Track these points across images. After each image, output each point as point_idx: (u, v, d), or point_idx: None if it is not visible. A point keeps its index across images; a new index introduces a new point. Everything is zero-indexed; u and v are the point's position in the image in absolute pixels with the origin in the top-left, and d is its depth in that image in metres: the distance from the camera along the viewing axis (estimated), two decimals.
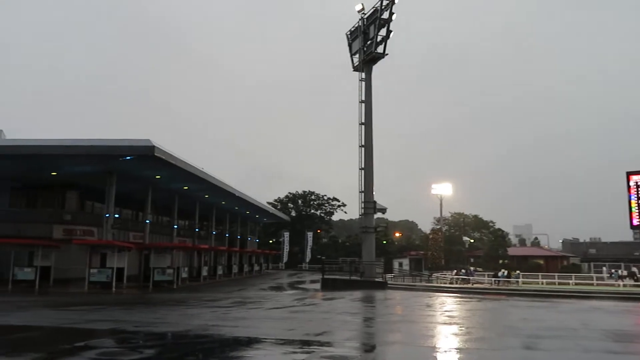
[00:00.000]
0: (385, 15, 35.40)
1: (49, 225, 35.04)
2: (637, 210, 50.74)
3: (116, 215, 35.26)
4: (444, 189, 69.57)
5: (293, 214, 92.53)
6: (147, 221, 38.30)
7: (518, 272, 40.80)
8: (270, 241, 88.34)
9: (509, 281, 36.68)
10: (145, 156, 28.18)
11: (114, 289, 28.10)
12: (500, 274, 38.49)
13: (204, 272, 40.29)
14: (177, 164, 30.93)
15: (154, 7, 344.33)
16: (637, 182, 50.86)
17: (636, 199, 50.83)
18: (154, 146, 27.15)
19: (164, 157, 28.62)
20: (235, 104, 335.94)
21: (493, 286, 35.49)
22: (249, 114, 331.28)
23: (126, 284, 29.89)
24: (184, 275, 35.26)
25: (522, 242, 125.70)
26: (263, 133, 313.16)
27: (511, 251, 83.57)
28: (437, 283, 39.79)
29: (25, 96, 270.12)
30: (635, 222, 51.15)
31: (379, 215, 39.32)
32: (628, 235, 67.55)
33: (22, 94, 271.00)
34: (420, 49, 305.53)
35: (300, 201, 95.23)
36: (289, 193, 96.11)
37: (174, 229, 44.26)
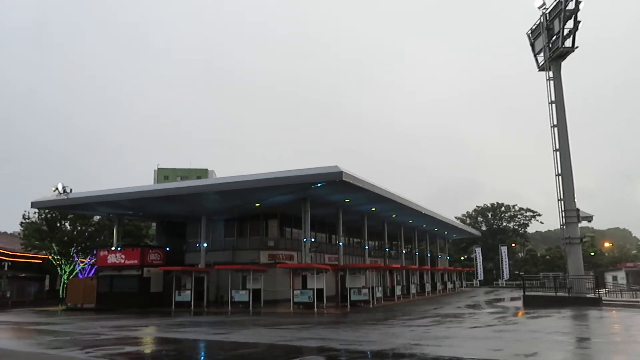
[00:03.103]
0: (571, 5, 32.46)
1: (256, 251, 38.97)
2: None
3: (312, 240, 37.68)
4: None
5: (483, 228, 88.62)
6: (340, 243, 40.14)
7: None
8: (462, 257, 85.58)
9: None
10: (334, 182, 29.87)
11: (315, 309, 29.92)
12: None
13: (398, 291, 40.60)
14: (364, 187, 32.10)
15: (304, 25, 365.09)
16: None
17: None
18: (341, 172, 28.66)
19: (351, 181, 30.01)
20: (411, 120, 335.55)
21: None
22: (426, 130, 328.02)
23: (326, 304, 31.61)
24: (379, 294, 35.97)
25: None
26: (444, 149, 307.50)
27: None
28: None
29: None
30: None
31: (583, 224, 35.38)
32: None
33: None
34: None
35: (489, 214, 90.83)
36: (477, 206, 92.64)
37: (365, 249, 45.64)
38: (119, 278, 37.58)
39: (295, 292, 31.50)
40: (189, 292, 34.87)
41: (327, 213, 39.94)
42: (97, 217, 50.91)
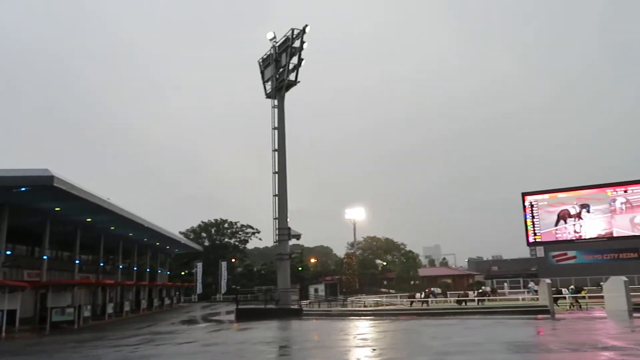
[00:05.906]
0: (297, 43, 35.98)
1: None
2: (532, 229, 54.88)
3: (8, 252, 32.34)
4: (357, 214, 71.36)
5: (206, 243, 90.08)
6: (45, 257, 35.50)
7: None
8: (183, 273, 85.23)
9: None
10: (43, 187, 26.35)
11: (3, 334, 25.59)
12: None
13: (109, 310, 37.88)
14: (80, 195, 29.23)
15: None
16: (531, 202, 55.16)
17: (531, 217, 55.02)
18: (53, 176, 25.53)
19: (64, 188, 26.93)
20: (152, 133, 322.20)
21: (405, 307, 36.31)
22: (168, 142, 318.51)
23: (19, 327, 27.36)
24: (87, 314, 32.93)
25: (432, 262, 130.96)
26: (179, 161, 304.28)
27: (422, 272, 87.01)
28: (352, 307, 40.24)
29: None
30: (530, 239, 55.27)
31: (294, 241, 39.18)
32: (527, 252, 73.06)
33: None
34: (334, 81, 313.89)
35: (213, 230, 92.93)
36: (202, 222, 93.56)
37: (76, 264, 41.29)
38: None
39: None
40: None
41: (31, 222, 34.96)
42: None
